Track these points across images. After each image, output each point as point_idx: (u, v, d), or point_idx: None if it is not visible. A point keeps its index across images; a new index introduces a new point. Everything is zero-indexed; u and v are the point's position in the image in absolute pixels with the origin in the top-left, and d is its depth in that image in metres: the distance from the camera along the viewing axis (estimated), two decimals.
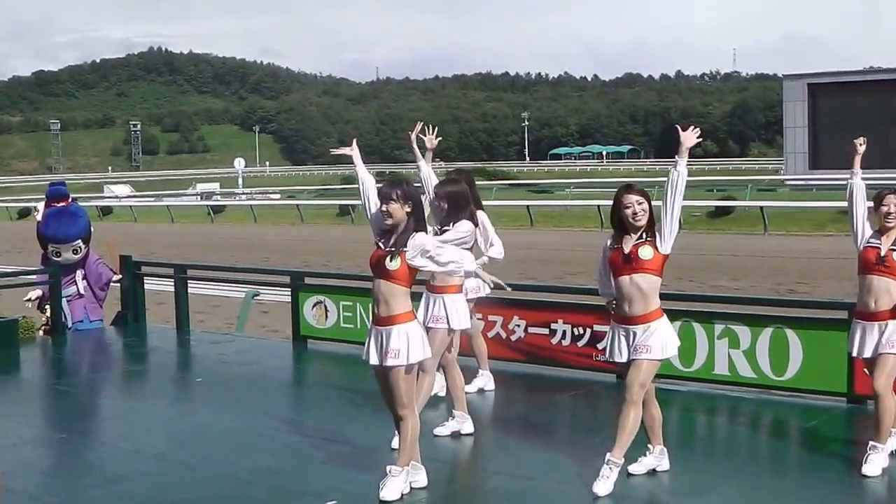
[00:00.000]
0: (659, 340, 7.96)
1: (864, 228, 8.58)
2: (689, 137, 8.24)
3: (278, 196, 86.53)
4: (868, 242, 8.50)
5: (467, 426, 9.84)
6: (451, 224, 9.74)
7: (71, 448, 9.98)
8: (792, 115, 70.59)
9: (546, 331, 12.63)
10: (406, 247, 7.88)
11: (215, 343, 15.92)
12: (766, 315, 11.40)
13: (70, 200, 16.48)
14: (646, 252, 8.07)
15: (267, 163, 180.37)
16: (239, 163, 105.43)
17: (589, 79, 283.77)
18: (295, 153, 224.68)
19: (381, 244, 8.11)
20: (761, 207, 46.16)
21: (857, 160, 8.58)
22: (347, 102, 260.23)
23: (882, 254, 8.37)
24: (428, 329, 9.23)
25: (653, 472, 8.41)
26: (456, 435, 9.75)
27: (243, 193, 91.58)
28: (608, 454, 7.88)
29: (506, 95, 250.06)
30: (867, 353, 8.49)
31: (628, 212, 8.13)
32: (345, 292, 14.65)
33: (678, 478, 8.39)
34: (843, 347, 9.50)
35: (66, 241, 15.92)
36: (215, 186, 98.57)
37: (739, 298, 14.29)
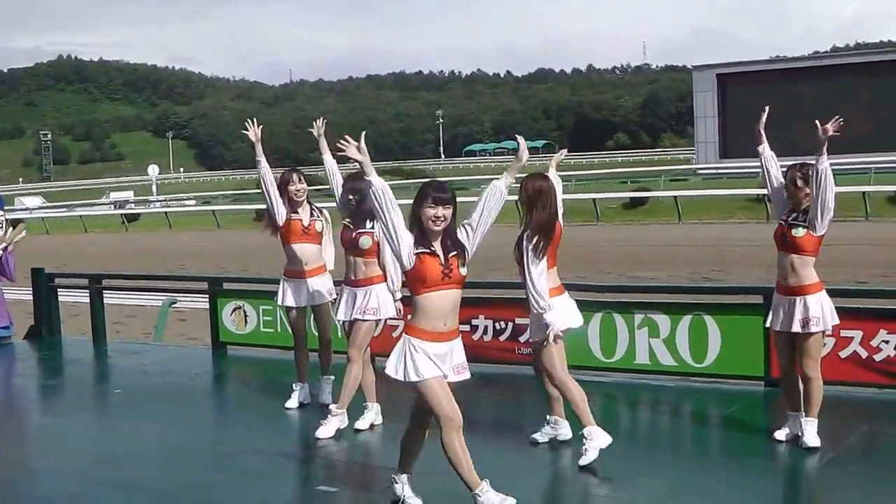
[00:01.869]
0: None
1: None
2: (826, 131, 8.41)
3: (193, 202, 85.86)
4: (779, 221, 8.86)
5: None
6: (365, 221, 9.66)
7: None
8: (702, 106, 71.45)
9: (467, 327, 12.62)
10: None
11: (134, 353, 15.66)
12: (685, 303, 11.47)
13: None
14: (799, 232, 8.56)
15: (181, 169, 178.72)
16: (153, 170, 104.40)
17: (502, 75, 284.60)
18: (209, 158, 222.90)
19: (350, 225, 9.65)
20: (675, 197, 46.62)
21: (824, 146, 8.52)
22: (261, 106, 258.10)
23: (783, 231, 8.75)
24: (355, 321, 9.62)
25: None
26: (373, 429, 9.79)
27: (158, 200, 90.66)
28: None
29: (420, 94, 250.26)
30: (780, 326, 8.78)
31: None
32: (264, 296, 14.52)
33: (605, 468, 8.40)
34: (760, 332, 9.63)
35: None
36: (129, 194, 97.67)
37: (658, 287, 14.41)
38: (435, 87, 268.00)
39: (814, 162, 8.41)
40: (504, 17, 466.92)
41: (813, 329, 8.51)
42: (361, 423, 9.82)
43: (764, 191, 9.52)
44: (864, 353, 10.39)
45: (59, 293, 16.89)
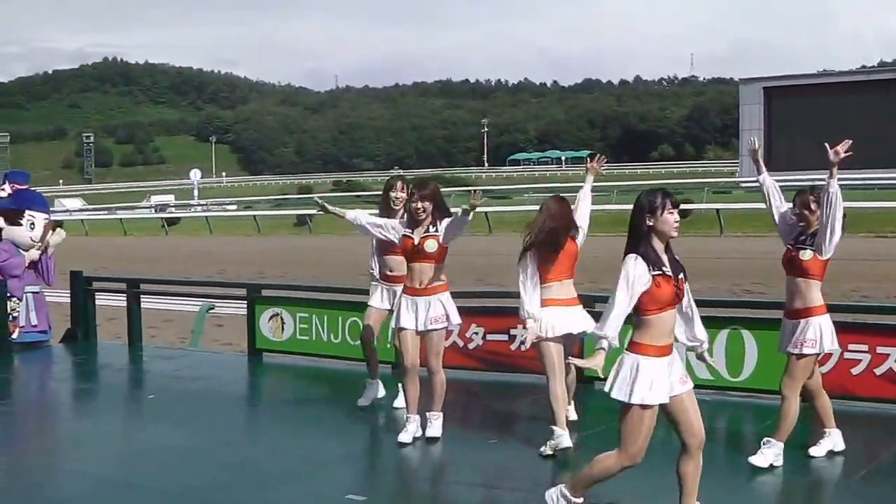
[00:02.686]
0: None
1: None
2: (837, 153, 8.30)
3: (235, 207, 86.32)
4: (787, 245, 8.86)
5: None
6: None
7: (12, 471, 9.61)
8: (748, 118, 71.28)
9: (505, 337, 12.55)
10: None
11: (169, 358, 15.62)
12: (722, 317, 11.35)
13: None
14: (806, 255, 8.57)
15: (223, 173, 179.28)
16: (195, 174, 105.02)
17: (548, 85, 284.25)
18: (252, 163, 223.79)
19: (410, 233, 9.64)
20: (717, 209, 46.36)
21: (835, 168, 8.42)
22: (306, 111, 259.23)
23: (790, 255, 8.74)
24: (428, 331, 9.59)
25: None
26: (416, 441, 9.68)
27: (199, 205, 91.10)
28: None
29: (465, 102, 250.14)
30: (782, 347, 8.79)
31: None
32: (302, 304, 14.51)
33: (640, 480, 8.30)
34: None
35: (41, 208, 15.85)
36: (170, 198, 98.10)
37: (696, 300, 14.24)
38: (480, 95, 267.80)
39: (824, 184, 8.35)
40: (551, 27, 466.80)
41: (806, 351, 8.51)
42: (405, 437, 9.69)
43: None
44: None
45: (96, 297, 16.91)
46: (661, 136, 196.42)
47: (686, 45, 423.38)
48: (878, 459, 8.95)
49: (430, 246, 9.53)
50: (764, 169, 9.23)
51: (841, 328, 10.45)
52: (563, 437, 9.16)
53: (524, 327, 9.58)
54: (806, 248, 8.53)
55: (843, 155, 8.22)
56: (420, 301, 9.59)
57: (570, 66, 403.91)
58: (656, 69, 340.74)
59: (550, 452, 9.16)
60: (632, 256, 6.76)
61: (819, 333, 8.48)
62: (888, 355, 10.28)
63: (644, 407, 6.73)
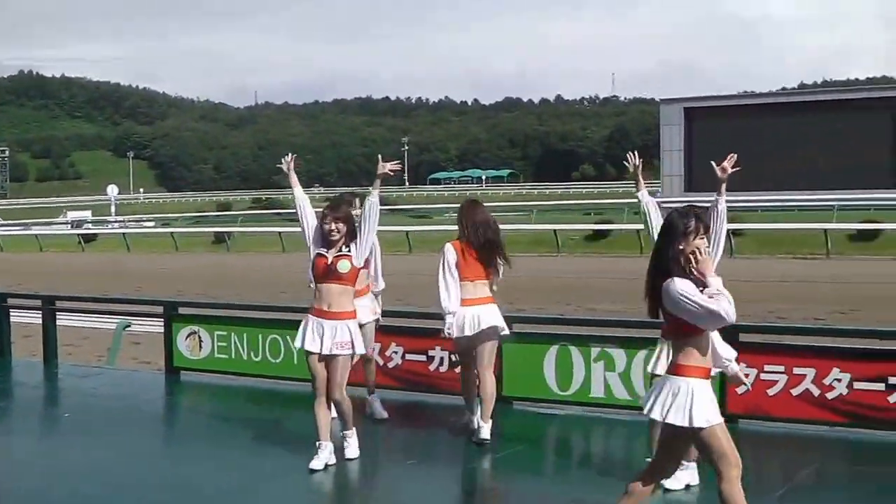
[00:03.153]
0: None
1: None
2: (725, 169, 8.33)
3: (152, 224, 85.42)
4: None
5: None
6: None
7: None
8: (668, 139, 71.89)
9: (424, 357, 12.55)
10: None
11: (85, 377, 15.38)
12: (641, 338, 11.41)
13: None
14: None
15: (141, 189, 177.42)
16: (112, 189, 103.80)
17: (469, 103, 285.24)
18: (170, 179, 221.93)
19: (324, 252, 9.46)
20: (637, 230, 46.66)
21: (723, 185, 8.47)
22: (225, 127, 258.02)
23: None
24: (333, 356, 9.44)
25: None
26: (330, 467, 9.60)
27: (116, 221, 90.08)
28: None
29: (385, 120, 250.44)
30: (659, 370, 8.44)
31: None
32: (220, 322, 14.41)
33: (560, 497, 8.35)
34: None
35: None
36: (87, 214, 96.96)
37: (615, 321, 14.33)
38: (401, 113, 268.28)
39: (713, 201, 8.33)
40: (472, 45, 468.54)
41: None
42: (316, 464, 9.56)
43: (731, 225, 9.40)
44: (816, 391, 10.35)
45: (11, 314, 16.67)
46: (583, 156, 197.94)
47: (607, 64, 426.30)
48: (795, 480, 9.03)
49: (343, 266, 9.41)
50: (643, 186, 9.10)
51: (758, 349, 10.62)
52: (484, 428, 10.00)
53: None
54: None
55: (730, 171, 8.24)
56: (327, 324, 9.46)
57: (491, 84, 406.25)
58: (577, 89, 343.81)
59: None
60: (676, 280, 6.48)
61: None
62: (804, 376, 10.38)
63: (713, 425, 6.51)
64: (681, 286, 6.40)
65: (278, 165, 10.23)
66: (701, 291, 6.35)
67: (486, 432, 10.05)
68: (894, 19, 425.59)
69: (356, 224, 9.52)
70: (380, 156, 9.67)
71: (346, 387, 9.52)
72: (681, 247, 6.53)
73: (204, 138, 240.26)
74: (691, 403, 6.45)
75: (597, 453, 10.99)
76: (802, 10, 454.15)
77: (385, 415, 11.41)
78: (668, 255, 6.56)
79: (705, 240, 6.60)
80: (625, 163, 9.12)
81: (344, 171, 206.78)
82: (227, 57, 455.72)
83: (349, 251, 9.43)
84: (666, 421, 6.53)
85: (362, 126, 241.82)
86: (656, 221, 8.68)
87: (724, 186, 8.30)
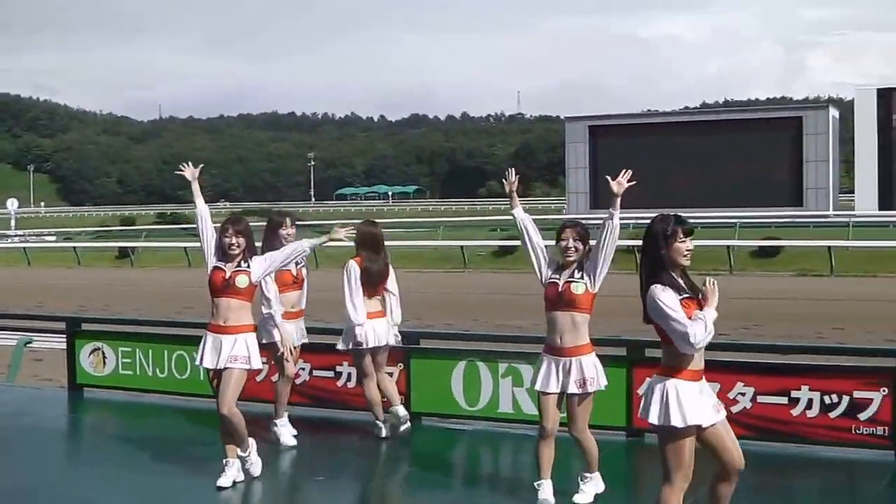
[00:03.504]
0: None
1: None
2: (620, 185, 8.28)
3: (54, 238, 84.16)
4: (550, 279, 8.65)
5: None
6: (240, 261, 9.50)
7: None
8: (574, 156, 72.49)
9: (332, 374, 12.52)
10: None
11: None
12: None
13: None
14: (578, 288, 8.41)
15: (42, 203, 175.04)
16: (12, 203, 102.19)
17: (376, 119, 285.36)
18: (72, 193, 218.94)
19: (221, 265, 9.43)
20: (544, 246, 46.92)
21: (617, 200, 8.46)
22: (129, 141, 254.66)
23: (560, 289, 8.50)
24: (226, 369, 9.34)
25: None
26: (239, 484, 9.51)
27: (16, 235, 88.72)
28: None
29: (291, 135, 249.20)
30: (551, 388, 8.53)
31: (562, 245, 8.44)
32: (124, 338, 14.23)
33: None
34: (623, 383, 9.68)
35: None
36: None
37: (523, 337, 14.40)
38: (307, 128, 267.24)
39: (606, 216, 8.40)
40: (379, 62, 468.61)
41: (590, 389, 8.46)
42: (223, 481, 9.45)
43: (632, 242, 9.37)
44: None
45: None
46: (489, 173, 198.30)
47: (513, 82, 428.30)
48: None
49: (242, 281, 9.37)
50: (518, 204, 9.18)
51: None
52: (400, 408, 10.52)
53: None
54: (578, 282, 8.44)
55: (625, 185, 8.26)
56: (225, 339, 9.38)
57: (397, 101, 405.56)
58: (483, 106, 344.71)
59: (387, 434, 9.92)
60: (657, 287, 6.68)
61: (596, 371, 8.52)
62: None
63: (684, 428, 6.66)
64: (661, 294, 6.62)
65: (177, 172, 10.24)
66: (679, 296, 6.64)
67: (401, 410, 10.80)
68: (791, 41, 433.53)
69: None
70: (511, 170, 9.53)
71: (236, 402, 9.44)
72: (663, 251, 6.73)
73: (107, 152, 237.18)
74: (666, 403, 6.64)
75: (505, 469, 11.00)
76: (698, 32, 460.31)
77: (293, 442, 11.17)
78: (653, 260, 6.76)
79: (688, 242, 6.86)
80: (503, 180, 9.19)
81: (250, 187, 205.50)
82: (130, 70, 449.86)
83: (247, 267, 9.38)
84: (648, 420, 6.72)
85: (268, 141, 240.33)
86: (536, 238, 8.90)
87: (618, 202, 8.32)
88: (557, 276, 8.55)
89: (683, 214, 7.57)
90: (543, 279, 8.66)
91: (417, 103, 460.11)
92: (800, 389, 10.26)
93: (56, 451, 11.73)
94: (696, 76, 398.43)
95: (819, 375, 10.33)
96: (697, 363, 6.76)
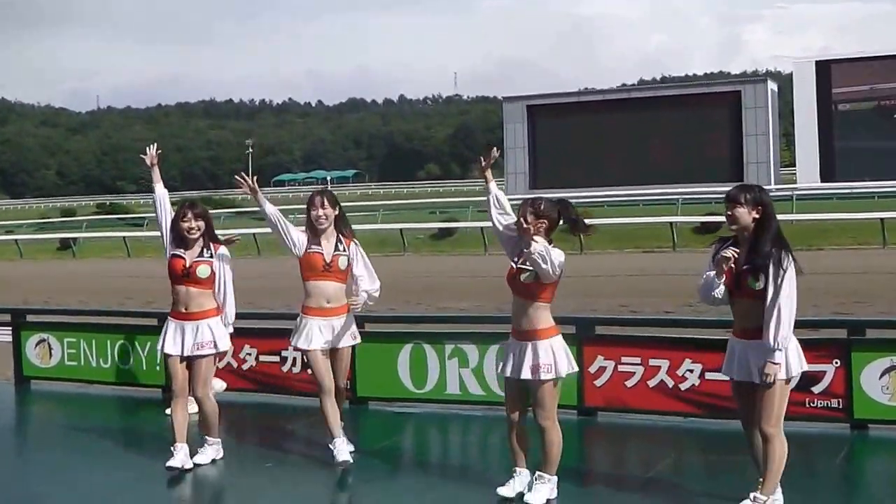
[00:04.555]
0: None
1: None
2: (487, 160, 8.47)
3: None
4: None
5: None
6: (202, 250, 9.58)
7: None
8: (512, 137, 72.53)
9: (277, 358, 12.55)
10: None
11: None
12: (493, 332, 11.52)
13: None
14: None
15: None
16: None
17: (313, 104, 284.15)
18: (12, 186, 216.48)
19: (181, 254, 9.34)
20: (482, 228, 47.01)
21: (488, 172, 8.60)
22: (67, 133, 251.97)
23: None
24: (195, 357, 9.42)
25: None
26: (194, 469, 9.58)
27: None
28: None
29: (230, 123, 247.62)
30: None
31: None
32: (69, 329, 14.20)
33: (419, 496, 8.43)
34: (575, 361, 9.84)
35: None
36: None
37: (467, 317, 14.49)
38: (245, 115, 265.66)
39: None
40: (315, 46, 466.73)
41: (543, 376, 8.07)
42: (173, 462, 9.48)
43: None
44: (670, 383, 10.61)
45: None
46: (428, 156, 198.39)
47: (449, 63, 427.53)
48: (653, 470, 9.24)
49: (203, 272, 9.42)
50: (492, 181, 8.77)
51: (615, 341, 10.87)
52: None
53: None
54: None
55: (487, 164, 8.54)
56: (188, 326, 9.44)
57: (335, 85, 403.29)
58: (420, 89, 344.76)
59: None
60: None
61: (553, 358, 8.14)
62: (659, 367, 10.63)
63: None
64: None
65: (142, 155, 9.98)
66: None
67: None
68: (727, 15, 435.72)
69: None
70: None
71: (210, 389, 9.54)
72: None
73: (46, 144, 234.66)
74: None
75: (454, 450, 11.07)
76: (635, 10, 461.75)
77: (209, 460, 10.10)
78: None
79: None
80: (482, 158, 8.71)
81: (189, 175, 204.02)
82: (66, 61, 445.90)
83: (210, 256, 9.42)
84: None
85: (207, 129, 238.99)
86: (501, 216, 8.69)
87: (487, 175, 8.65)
88: (516, 260, 8.42)
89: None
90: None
91: (355, 87, 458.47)
92: None
93: (8, 445, 11.72)
94: (635, 53, 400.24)
95: None
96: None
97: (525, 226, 8.15)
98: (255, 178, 9.99)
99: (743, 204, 7.58)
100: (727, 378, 7.95)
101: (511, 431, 8.31)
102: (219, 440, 9.85)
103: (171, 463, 9.43)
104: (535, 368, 8.04)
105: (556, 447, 8.17)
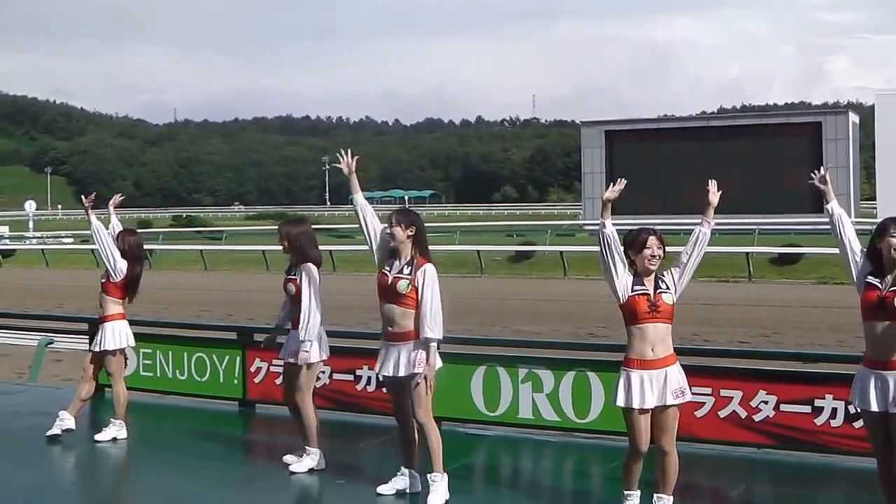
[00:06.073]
0: None
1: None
2: (714, 196, 8.55)
3: (71, 240, 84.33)
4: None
5: None
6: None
7: None
8: (590, 161, 72.18)
9: (352, 377, 12.54)
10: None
11: (6, 394, 15.17)
12: (568, 359, 11.46)
13: None
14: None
15: (59, 206, 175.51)
16: (30, 205, 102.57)
17: (390, 123, 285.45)
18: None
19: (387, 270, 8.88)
20: (561, 252, 46.89)
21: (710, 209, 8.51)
22: (144, 144, 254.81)
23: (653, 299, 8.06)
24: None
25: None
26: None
27: (34, 237, 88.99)
28: None
29: (306, 139, 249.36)
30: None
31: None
32: (144, 339, 14.23)
33: None
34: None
35: None
36: (4, 230, 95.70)
37: (542, 343, 14.41)
38: (321, 132, 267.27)
39: (699, 224, 8.46)
40: (393, 65, 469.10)
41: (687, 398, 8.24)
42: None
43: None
44: (743, 413, 10.46)
45: None
46: (504, 178, 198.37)
47: (527, 86, 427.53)
48: (726, 501, 9.12)
49: (402, 286, 8.84)
50: (359, 189, 9.23)
51: (685, 371, 10.73)
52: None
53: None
54: (666, 292, 8.19)
55: (716, 193, 8.56)
56: (401, 348, 8.98)
57: (412, 105, 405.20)
58: (498, 111, 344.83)
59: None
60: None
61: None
62: (731, 398, 10.48)
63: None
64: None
65: (336, 165, 9.66)
66: None
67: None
68: (811, 45, 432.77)
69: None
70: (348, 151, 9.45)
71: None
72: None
73: (123, 155, 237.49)
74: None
75: (525, 474, 11.00)
76: (713, 36, 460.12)
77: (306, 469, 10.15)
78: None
79: None
80: (812, 174, 8.40)
81: (264, 190, 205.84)
82: (144, 73, 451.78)
83: (294, 276, 9.52)
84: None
85: (283, 145, 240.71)
86: (374, 224, 9.11)
87: (711, 210, 8.50)
88: (642, 286, 8.15)
89: (700, 221, 7.61)
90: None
91: (432, 108, 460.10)
92: (823, 398, 10.17)
93: (82, 451, 11.77)
94: (714, 80, 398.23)
95: (843, 385, 10.27)
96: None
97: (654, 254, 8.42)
98: (356, 158, 9.60)
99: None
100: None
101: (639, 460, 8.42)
102: (318, 451, 10.00)
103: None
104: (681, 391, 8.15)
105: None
